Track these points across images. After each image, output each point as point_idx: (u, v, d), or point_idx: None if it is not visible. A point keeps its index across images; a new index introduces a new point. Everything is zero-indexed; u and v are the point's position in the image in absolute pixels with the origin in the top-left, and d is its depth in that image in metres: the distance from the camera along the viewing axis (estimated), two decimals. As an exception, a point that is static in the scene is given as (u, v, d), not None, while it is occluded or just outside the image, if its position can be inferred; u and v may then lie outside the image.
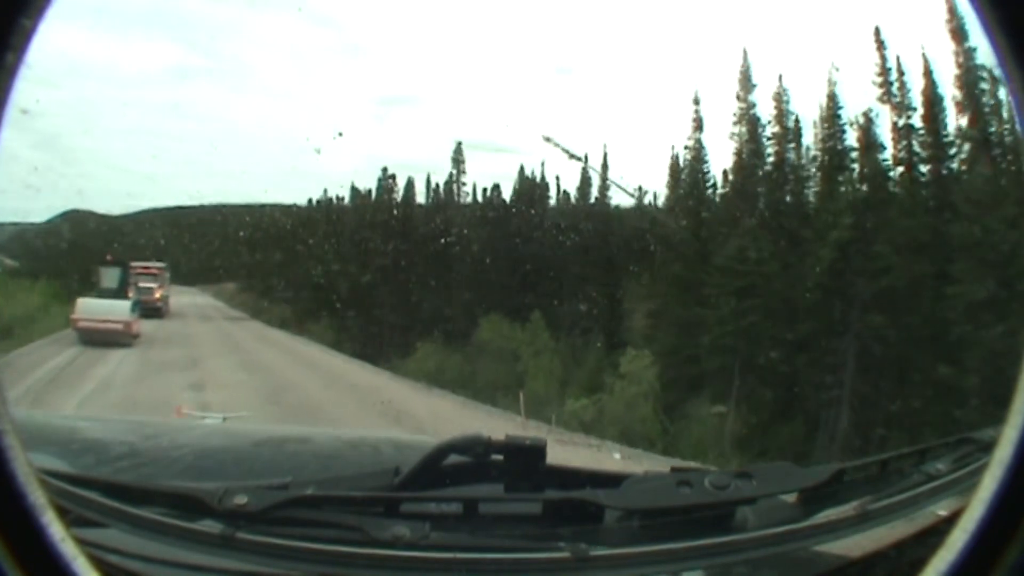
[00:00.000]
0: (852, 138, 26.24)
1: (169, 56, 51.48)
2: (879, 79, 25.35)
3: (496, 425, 16.12)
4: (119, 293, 27.59)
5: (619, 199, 33.86)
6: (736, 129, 28.53)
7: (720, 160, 30.33)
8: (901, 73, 25.11)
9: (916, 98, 25.14)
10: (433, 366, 27.49)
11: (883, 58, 25.31)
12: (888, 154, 25.25)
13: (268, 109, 49.62)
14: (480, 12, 54.43)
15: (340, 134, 40.40)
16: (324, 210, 37.46)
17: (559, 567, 1.05)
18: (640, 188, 33.97)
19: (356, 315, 32.47)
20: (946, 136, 24.71)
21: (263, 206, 38.70)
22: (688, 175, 30.13)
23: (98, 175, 45.39)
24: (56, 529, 0.72)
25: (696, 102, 29.46)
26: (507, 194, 34.80)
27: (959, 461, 1.23)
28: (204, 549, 1.05)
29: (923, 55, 25.31)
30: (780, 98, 27.89)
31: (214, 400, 13.85)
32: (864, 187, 25.05)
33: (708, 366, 24.55)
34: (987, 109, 23.30)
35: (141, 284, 32.33)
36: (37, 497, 0.72)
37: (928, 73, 24.86)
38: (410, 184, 35.25)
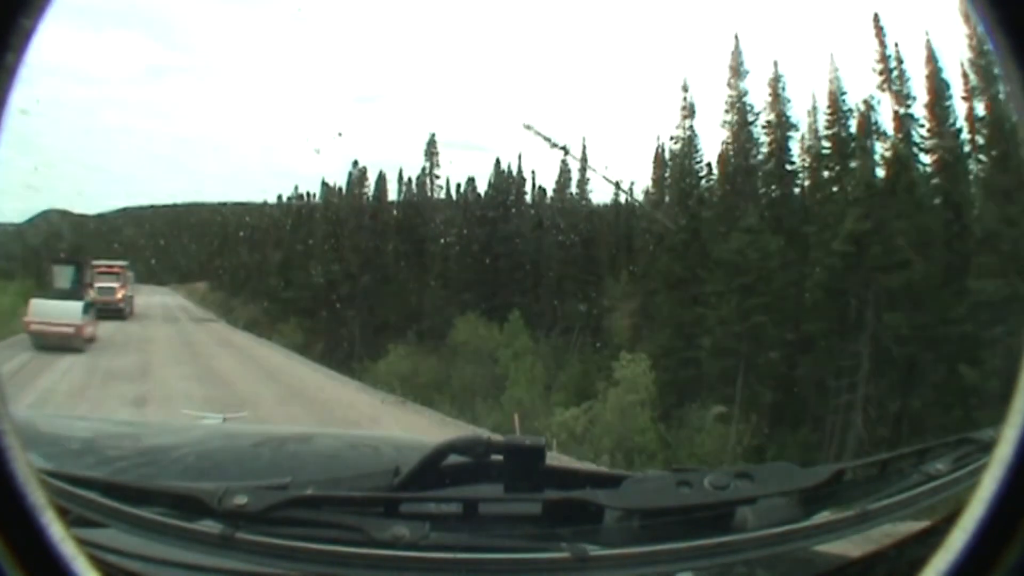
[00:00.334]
0: (852, 128, 25.61)
1: (142, 55, 51.47)
2: (879, 66, 24.72)
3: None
4: (73, 293, 25.92)
5: (599, 195, 33.74)
6: (728, 117, 27.83)
7: (710, 150, 29.56)
8: (900, 61, 24.54)
9: (915, 87, 24.53)
10: (406, 369, 26.34)
11: (883, 44, 24.74)
12: (890, 144, 24.54)
13: (242, 108, 49.50)
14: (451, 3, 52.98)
15: (340, 134, 39.98)
16: (295, 207, 36.49)
17: (559, 567, 1.05)
18: (619, 183, 33.32)
19: (326, 315, 31.48)
20: (952, 124, 23.93)
21: (238, 205, 38.41)
22: (677, 166, 29.23)
23: (74, 175, 45.38)
24: (56, 529, 0.72)
25: (685, 89, 28.93)
26: (482, 190, 33.84)
27: (959, 461, 1.23)
28: (204, 549, 1.05)
29: (927, 41, 24.61)
30: (775, 85, 27.07)
31: (152, 420, 12.45)
32: (878, 172, 23.92)
33: (709, 370, 23.21)
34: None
35: (102, 284, 31.13)
36: (37, 497, 0.72)
37: (932, 59, 24.16)
38: (381, 178, 34.12)
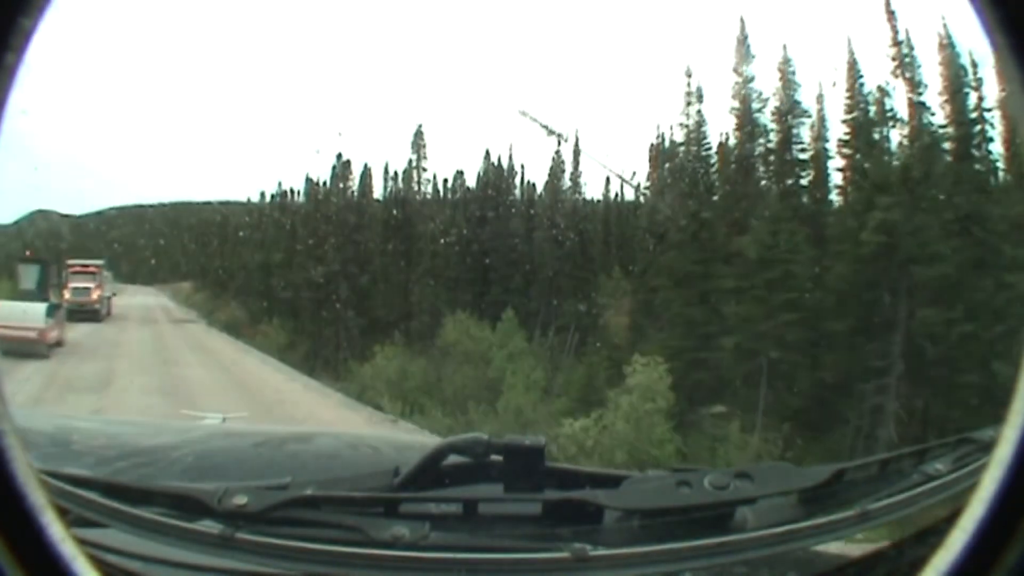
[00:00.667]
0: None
1: (126, 53, 51.06)
2: (892, 51, 23.47)
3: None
4: (39, 294, 24.33)
5: (592, 189, 31.56)
6: (736, 103, 26.39)
7: (713, 139, 28.24)
8: (911, 47, 23.40)
9: (928, 74, 23.38)
10: (394, 372, 24.85)
11: (895, 30, 23.56)
12: (907, 130, 23.31)
13: (227, 103, 48.68)
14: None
15: (340, 134, 39.15)
16: (278, 204, 35.23)
17: (559, 567, 1.05)
18: (622, 175, 31.47)
19: (310, 314, 30.24)
20: (971, 111, 22.75)
21: (223, 203, 37.85)
22: (681, 155, 27.82)
23: (63, 175, 45.18)
24: (56, 529, 0.72)
25: (688, 75, 27.41)
26: (472, 183, 32.31)
27: (959, 461, 1.23)
28: (204, 549, 1.05)
29: (943, 24, 23.43)
30: (785, 69, 25.62)
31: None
32: (907, 157, 22.32)
33: (729, 373, 21.44)
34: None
35: (76, 284, 29.78)
36: (37, 497, 0.72)
37: (949, 44, 23.01)
38: (366, 172, 32.58)
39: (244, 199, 37.35)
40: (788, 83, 25.65)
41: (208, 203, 38.71)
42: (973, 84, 22.85)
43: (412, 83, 47.54)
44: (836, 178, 25.61)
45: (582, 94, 47.64)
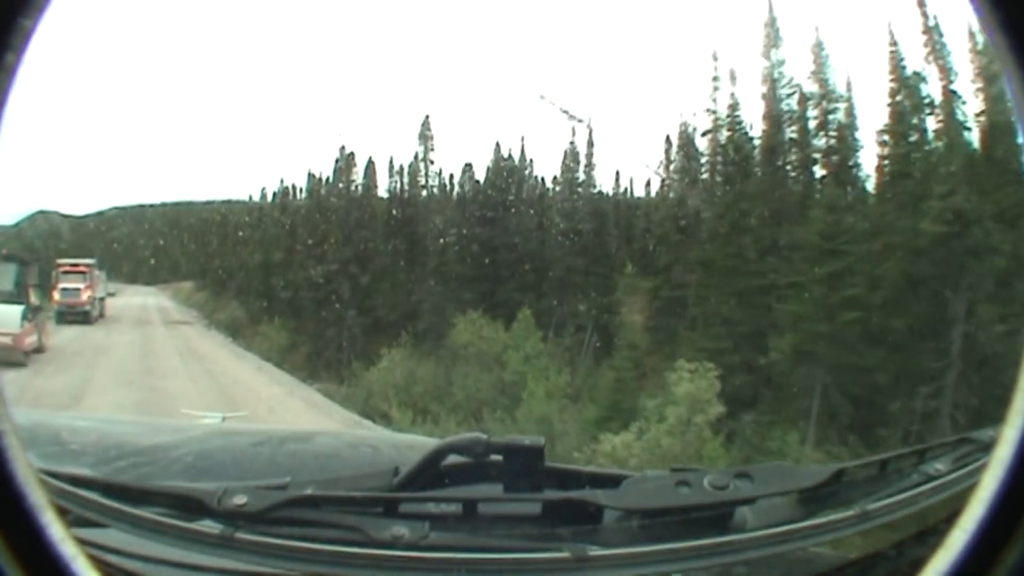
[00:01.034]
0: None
1: (128, 51, 50.57)
2: (923, 37, 22.36)
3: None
4: (16, 296, 22.06)
5: (606, 182, 30.09)
6: (765, 89, 25.03)
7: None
8: (940, 34, 22.32)
9: (958, 61, 22.34)
10: (401, 377, 23.55)
11: (925, 15, 22.59)
12: (942, 117, 22.15)
13: (228, 99, 47.81)
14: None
15: (340, 134, 38.45)
16: (279, 201, 34.18)
17: (558, 567, 1.05)
18: (650, 165, 30.90)
19: (312, 315, 28.90)
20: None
21: (225, 203, 37.37)
22: (711, 141, 26.21)
23: (65, 175, 44.88)
24: (56, 529, 0.72)
25: (715, 58, 25.95)
26: (481, 176, 30.71)
27: (959, 461, 1.23)
28: (203, 549, 1.05)
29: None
30: (818, 53, 24.33)
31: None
32: (950, 145, 21.10)
33: (783, 378, 19.63)
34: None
35: (65, 285, 28.42)
36: (37, 497, 0.72)
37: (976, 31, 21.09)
38: (370, 165, 31.09)
39: (247, 198, 36.57)
40: (821, 67, 24.46)
41: (210, 202, 38.20)
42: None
43: (416, 73, 45.91)
44: (868, 167, 24.40)
45: (594, 83, 45.73)
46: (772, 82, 24.66)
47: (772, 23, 24.80)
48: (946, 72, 22.24)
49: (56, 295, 27.95)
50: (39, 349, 22.14)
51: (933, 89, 22.57)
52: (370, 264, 29.29)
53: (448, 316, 26.40)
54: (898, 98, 22.91)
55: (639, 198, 30.47)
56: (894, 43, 23.04)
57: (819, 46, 24.36)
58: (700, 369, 18.10)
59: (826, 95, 24.29)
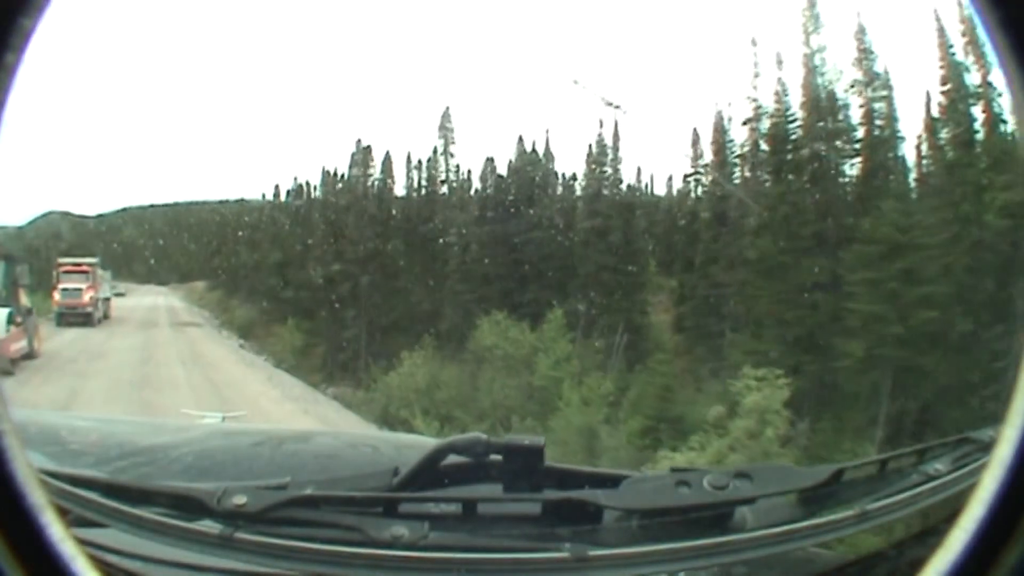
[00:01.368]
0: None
1: (141, 52, 50.26)
2: (961, 27, 21.42)
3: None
4: (4, 298, 20.72)
5: (627, 178, 28.62)
6: (804, 75, 23.72)
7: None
8: (975, 24, 22.13)
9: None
10: (423, 382, 22.37)
11: (961, 4, 21.86)
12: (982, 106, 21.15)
13: (241, 97, 47.20)
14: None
15: (358, 140, 37.11)
16: (293, 199, 33.47)
17: (558, 567, 1.05)
18: (680, 154, 29.14)
19: (327, 315, 27.91)
20: None
21: (239, 202, 37.07)
22: (753, 129, 24.91)
23: (75, 175, 44.63)
24: (56, 529, 0.72)
25: (754, 43, 24.93)
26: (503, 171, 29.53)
27: (958, 461, 1.23)
28: (203, 549, 1.05)
29: None
30: (861, 39, 23.28)
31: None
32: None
33: (851, 383, 18.33)
34: None
35: (66, 285, 27.29)
36: (37, 497, 0.72)
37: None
38: (387, 160, 30.06)
39: (259, 196, 36.00)
40: (865, 53, 23.43)
41: (223, 202, 37.75)
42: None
43: (435, 63, 44.84)
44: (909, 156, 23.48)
45: (617, 75, 43.88)
46: (812, 69, 23.60)
47: (812, 6, 23.66)
48: (983, 62, 21.34)
49: (56, 296, 27.08)
50: (30, 355, 20.74)
51: (973, 79, 21.79)
52: (387, 262, 28.38)
53: (471, 316, 25.36)
54: (948, 86, 22.15)
55: (658, 196, 29.78)
56: (941, 29, 22.28)
57: (861, 31, 23.40)
58: (769, 376, 16.50)
59: (871, 82, 23.29)
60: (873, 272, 18.25)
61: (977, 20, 0.76)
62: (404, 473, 1.25)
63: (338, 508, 1.13)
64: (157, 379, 20.19)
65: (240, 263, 35.22)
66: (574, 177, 29.19)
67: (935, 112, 22.62)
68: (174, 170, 47.19)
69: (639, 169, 29.26)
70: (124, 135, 48.11)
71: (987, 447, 0.92)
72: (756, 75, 24.86)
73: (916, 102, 24.73)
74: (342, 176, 30.78)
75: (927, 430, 17.05)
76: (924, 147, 23.18)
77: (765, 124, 24.78)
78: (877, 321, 17.94)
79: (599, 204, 27.39)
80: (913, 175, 23.33)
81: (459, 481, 1.27)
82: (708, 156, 27.28)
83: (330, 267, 28.49)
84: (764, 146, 24.98)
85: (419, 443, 2.01)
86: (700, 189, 28.27)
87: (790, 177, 23.13)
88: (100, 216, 38.40)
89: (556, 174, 29.42)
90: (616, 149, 27.82)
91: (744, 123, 25.48)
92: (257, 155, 51.68)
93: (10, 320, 19.81)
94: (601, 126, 28.04)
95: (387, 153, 30.08)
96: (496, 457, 1.27)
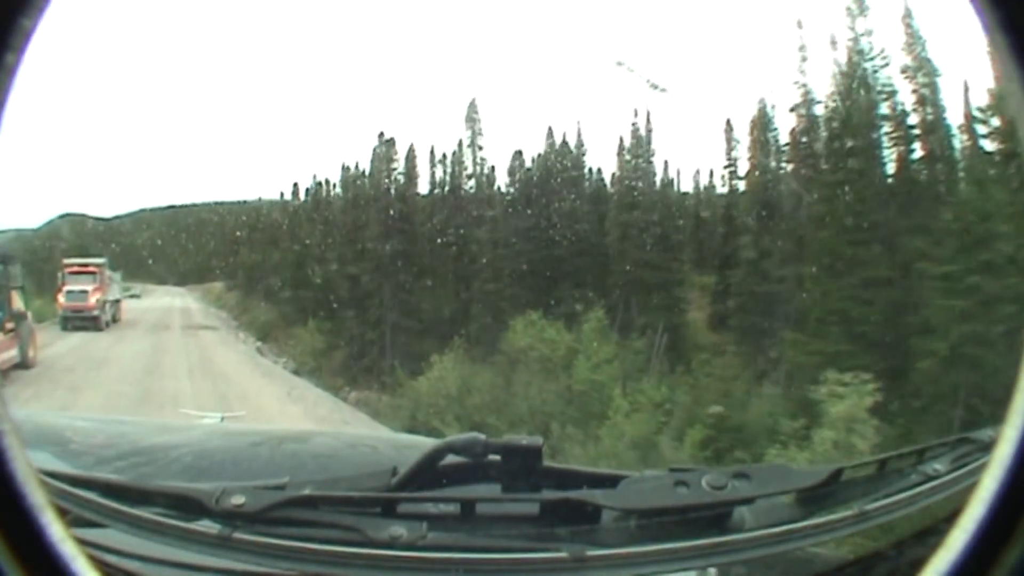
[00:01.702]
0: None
1: (156, 51, 49.91)
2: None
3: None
4: None
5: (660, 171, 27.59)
6: (846, 61, 22.85)
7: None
8: None
9: None
10: (454, 387, 20.86)
11: None
12: None
13: (259, 95, 46.47)
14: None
15: (381, 134, 35.61)
16: (313, 197, 32.42)
17: (556, 567, 1.05)
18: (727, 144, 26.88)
19: (351, 317, 26.72)
20: None
21: (259, 201, 36.63)
22: (803, 116, 23.83)
23: (91, 177, 44.42)
24: (56, 529, 0.72)
25: (800, 26, 23.91)
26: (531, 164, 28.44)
27: (958, 461, 1.23)
28: (202, 549, 1.05)
29: None
30: (908, 23, 22.37)
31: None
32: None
33: (933, 387, 17.05)
34: None
35: (72, 287, 26.00)
36: (37, 497, 0.72)
37: None
38: (411, 153, 28.63)
39: (278, 196, 34.96)
40: (914, 38, 22.51)
41: (243, 202, 37.10)
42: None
43: (459, 53, 43.32)
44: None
45: (652, 63, 42.12)
46: (859, 53, 22.61)
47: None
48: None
49: (61, 298, 25.94)
50: (22, 364, 19.02)
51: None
52: (412, 259, 27.13)
53: (503, 317, 24.07)
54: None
55: (684, 192, 28.80)
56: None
57: (908, 15, 22.52)
58: (856, 381, 14.97)
59: (921, 67, 22.34)
60: (954, 265, 17.14)
61: (978, 20, 0.76)
62: (402, 473, 1.25)
63: (336, 508, 1.13)
64: (160, 393, 17.95)
65: (259, 263, 34.43)
66: (599, 172, 28.35)
67: (986, 99, 21.37)
68: (192, 170, 46.90)
69: (666, 163, 28.24)
70: (144, 135, 47.73)
71: (987, 447, 0.92)
72: (803, 59, 23.97)
73: (955, 89, 24.24)
74: (363, 172, 29.86)
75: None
76: (970, 135, 22.18)
77: (816, 110, 23.73)
78: (966, 318, 16.69)
79: (635, 198, 26.44)
80: (963, 164, 22.24)
81: (457, 481, 1.27)
82: (744, 147, 26.38)
83: (352, 265, 27.47)
84: (814, 133, 23.93)
85: (418, 443, 2.01)
86: (737, 182, 27.19)
87: (850, 164, 21.86)
88: (117, 218, 38.04)
89: (588, 168, 28.38)
90: (649, 142, 27.04)
91: (791, 109, 24.45)
92: (277, 153, 50.32)
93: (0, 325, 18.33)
94: (636, 116, 27.15)
95: (411, 146, 28.92)
96: (494, 457, 1.27)
